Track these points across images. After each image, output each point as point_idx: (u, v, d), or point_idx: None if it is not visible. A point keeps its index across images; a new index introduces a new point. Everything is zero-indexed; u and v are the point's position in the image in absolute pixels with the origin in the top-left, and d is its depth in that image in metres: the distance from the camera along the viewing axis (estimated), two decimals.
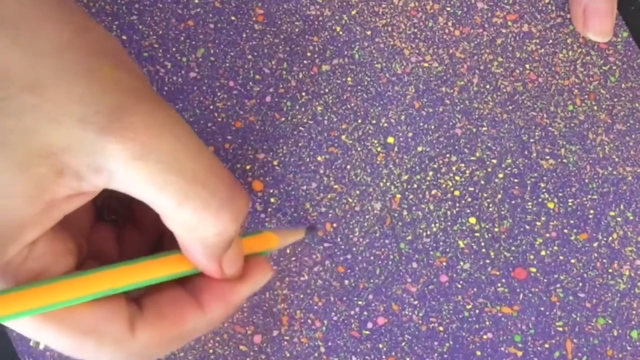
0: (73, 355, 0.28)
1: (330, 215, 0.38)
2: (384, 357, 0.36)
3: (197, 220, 0.26)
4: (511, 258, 0.38)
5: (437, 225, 0.38)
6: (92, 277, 0.27)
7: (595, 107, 0.40)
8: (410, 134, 0.39)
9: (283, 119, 0.39)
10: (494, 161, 0.39)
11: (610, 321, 0.37)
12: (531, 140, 0.39)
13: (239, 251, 0.30)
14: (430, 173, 0.39)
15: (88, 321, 0.27)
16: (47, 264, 0.27)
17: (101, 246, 0.31)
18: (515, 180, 0.39)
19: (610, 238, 0.38)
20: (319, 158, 0.39)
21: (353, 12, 0.41)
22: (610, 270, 0.38)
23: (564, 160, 0.39)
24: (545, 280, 0.38)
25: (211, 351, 0.36)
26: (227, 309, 0.30)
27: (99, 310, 0.27)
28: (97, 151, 0.25)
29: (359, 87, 0.40)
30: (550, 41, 0.41)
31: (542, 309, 0.37)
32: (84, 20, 0.27)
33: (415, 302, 0.37)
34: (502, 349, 0.37)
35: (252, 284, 0.31)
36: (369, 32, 0.40)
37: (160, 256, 0.29)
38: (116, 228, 0.32)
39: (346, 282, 0.37)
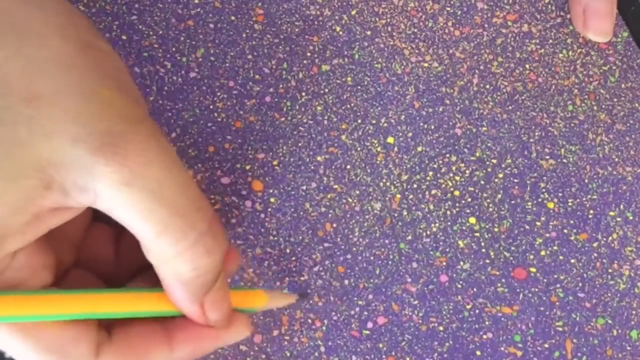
0: None
1: (330, 215, 0.38)
2: (383, 356, 0.36)
3: (173, 253, 0.27)
4: (511, 258, 0.38)
5: (437, 225, 0.38)
6: (70, 297, 0.27)
7: (595, 107, 0.40)
8: (410, 134, 0.39)
9: (283, 119, 0.39)
10: (494, 161, 0.39)
11: (610, 321, 0.37)
12: (531, 140, 0.39)
13: (223, 295, 0.30)
14: (430, 173, 0.39)
15: (55, 340, 0.27)
16: (25, 277, 0.27)
17: (95, 251, 0.31)
18: (515, 180, 0.39)
19: (610, 238, 0.38)
20: (318, 158, 0.39)
21: (353, 12, 0.41)
22: (610, 270, 0.38)
23: (564, 160, 0.39)
24: (545, 280, 0.38)
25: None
26: (196, 353, 0.30)
27: (67, 331, 0.27)
28: (85, 171, 0.25)
29: (359, 87, 0.40)
30: (550, 41, 0.41)
31: (542, 308, 0.37)
32: (91, 37, 0.27)
33: (415, 302, 0.37)
34: (502, 348, 0.37)
35: (228, 337, 0.31)
36: (369, 32, 0.40)
37: (144, 291, 0.29)
38: (114, 230, 0.32)
39: (346, 282, 0.37)
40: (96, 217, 0.32)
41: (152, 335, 0.29)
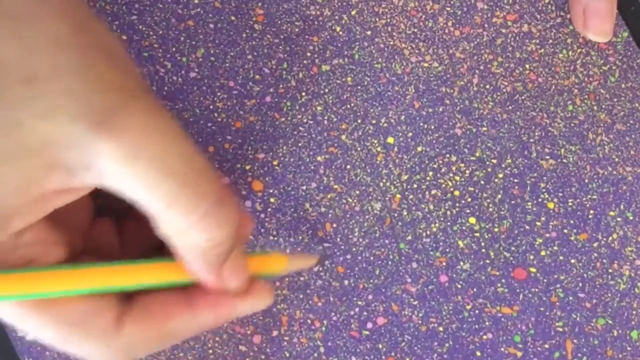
0: (57, 346, 0.28)
1: (330, 215, 0.38)
2: (383, 357, 0.36)
3: (186, 224, 0.26)
4: (511, 258, 0.38)
5: (437, 225, 0.38)
6: (87, 271, 0.27)
7: (595, 107, 0.40)
8: (410, 134, 0.39)
9: (283, 119, 0.39)
10: (494, 161, 0.39)
11: (610, 321, 0.37)
12: (531, 140, 0.39)
13: (241, 263, 0.30)
14: (430, 173, 0.39)
15: (76, 314, 0.27)
16: (38, 253, 0.27)
17: (100, 240, 0.31)
18: (515, 180, 0.39)
19: (610, 238, 0.38)
20: (318, 158, 0.39)
21: (353, 12, 0.41)
22: (610, 271, 0.38)
23: (564, 160, 0.39)
24: (545, 281, 0.38)
25: (211, 351, 0.36)
26: (218, 319, 0.30)
27: (88, 304, 0.27)
28: (87, 148, 0.25)
29: (359, 87, 0.40)
30: (550, 41, 0.41)
31: (542, 309, 0.37)
32: (86, 18, 0.27)
33: (415, 302, 0.37)
34: (502, 349, 0.37)
35: (249, 304, 0.31)
36: (369, 32, 0.40)
37: (161, 261, 0.29)
38: (117, 223, 0.32)
39: (346, 282, 0.37)
40: (98, 214, 0.32)
41: (173, 302, 0.29)
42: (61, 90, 0.25)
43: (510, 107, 0.40)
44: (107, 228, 0.32)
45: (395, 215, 0.38)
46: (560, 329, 0.37)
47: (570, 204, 0.39)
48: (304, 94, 0.39)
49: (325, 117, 0.39)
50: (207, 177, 0.27)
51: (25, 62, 0.25)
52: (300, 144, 0.39)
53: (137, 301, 0.29)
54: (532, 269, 0.38)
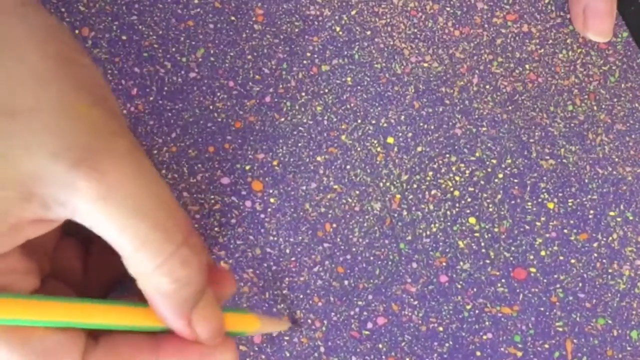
0: None
1: (329, 215, 0.38)
2: (383, 357, 0.36)
3: (152, 267, 0.27)
4: (511, 258, 0.38)
5: (437, 225, 0.38)
6: (61, 305, 0.27)
7: (595, 107, 0.40)
8: (410, 134, 0.39)
9: (283, 119, 0.39)
10: (494, 161, 0.39)
11: (610, 321, 0.37)
12: (531, 140, 0.39)
13: (211, 312, 0.30)
14: (430, 173, 0.39)
15: (42, 345, 0.27)
16: (11, 281, 0.27)
17: (64, 264, 0.31)
18: (515, 180, 0.39)
19: (610, 238, 0.38)
20: (318, 158, 0.39)
21: (353, 12, 0.41)
22: (610, 271, 0.38)
23: (564, 160, 0.39)
24: (545, 281, 0.38)
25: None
26: None
27: (55, 336, 0.27)
28: (64, 185, 0.25)
29: (359, 87, 0.40)
30: (550, 41, 0.41)
31: (542, 309, 0.37)
32: (72, 52, 0.27)
33: (415, 302, 0.37)
34: (502, 349, 0.37)
35: (215, 357, 0.31)
36: (368, 32, 0.40)
37: (135, 306, 0.29)
38: (83, 246, 0.32)
39: (346, 282, 0.37)
40: (65, 232, 0.32)
41: (140, 345, 0.29)
42: (43, 127, 0.25)
43: (510, 107, 0.40)
44: (72, 251, 0.32)
45: (395, 215, 0.38)
46: (560, 329, 0.37)
47: (570, 204, 0.39)
48: (303, 94, 0.39)
49: (325, 117, 0.39)
50: (175, 219, 0.27)
51: (8, 96, 0.25)
52: (300, 144, 0.39)
53: (104, 340, 0.29)
54: (532, 269, 0.38)
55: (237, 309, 0.34)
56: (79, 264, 0.32)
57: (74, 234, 0.32)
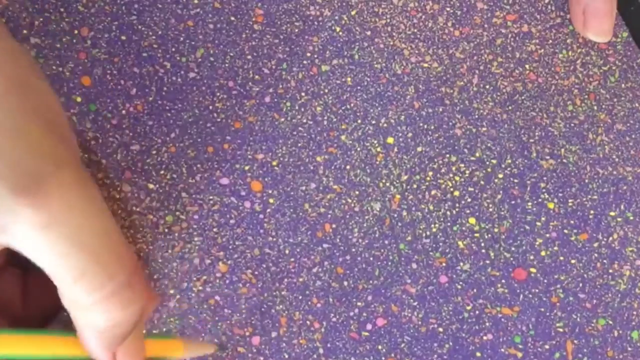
0: None
1: (329, 215, 0.38)
2: (383, 358, 0.36)
3: (88, 302, 0.26)
4: (511, 259, 0.38)
5: (437, 225, 0.38)
6: None
7: (595, 107, 0.40)
8: (410, 134, 0.39)
9: (282, 120, 0.39)
10: (494, 161, 0.39)
11: (610, 322, 0.37)
12: (531, 140, 0.39)
13: (137, 346, 0.30)
14: (430, 173, 0.39)
15: None
16: None
17: (3, 294, 0.31)
18: (515, 181, 0.39)
19: (611, 238, 0.38)
20: (318, 158, 0.38)
21: (353, 13, 0.41)
22: (610, 271, 0.38)
23: (564, 161, 0.39)
24: (545, 281, 0.37)
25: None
26: None
27: None
28: (6, 212, 0.25)
29: (359, 88, 0.40)
30: (550, 41, 0.41)
31: (542, 309, 0.37)
32: (28, 76, 0.27)
33: (415, 303, 0.37)
34: (502, 350, 0.37)
35: None
36: (368, 33, 0.40)
37: (61, 335, 0.29)
38: (23, 276, 0.32)
39: (345, 283, 0.37)
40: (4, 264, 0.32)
41: None
42: None
43: (510, 107, 0.40)
44: (11, 278, 0.32)
45: (395, 215, 0.38)
46: (561, 330, 0.37)
47: (570, 204, 0.39)
48: (303, 94, 0.39)
49: (325, 118, 0.39)
50: (119, 256, 0.27)
51: None
52: (299, 144, 0.39)
53: None
54: (532, 270, 0.38)
55: (163, 336, 0.34)
56: (18, 294, 0.32)
57: (13, 263, 0.32)
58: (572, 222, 0.38)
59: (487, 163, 0.39)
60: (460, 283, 0.37)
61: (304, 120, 0.39)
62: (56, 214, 0.25)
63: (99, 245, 0.26)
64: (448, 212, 0.38)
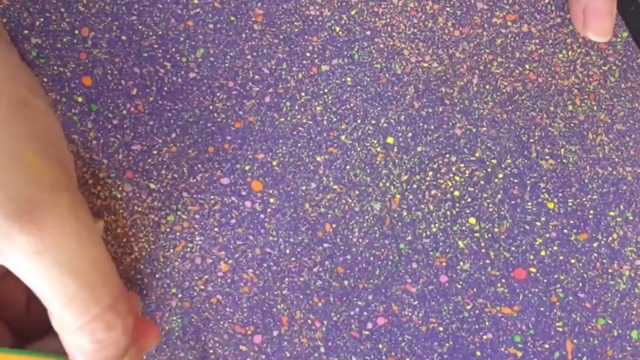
0: None
1: (329, 215, 0.38)
2: (383, 357, 0.36)
3: (74, 326, 0.27)
4: (511, 258, 0.38)
5: (437, 225, 0.38)
6: None
7: (595, 107, 0.40)
8: (409, 134, 0.39)
9: (282, 119, 0.39)
10: (494, 161, 0.39)
11: (610, 321, 0.37)
12: (531, 140, 0.39)
13: None
14: (430, 173, 0.39)
15: None
16: None
17: (7, 300, 0.31)
18: (515, 181, 0.39)
19: (610, 238, 0.38)
20: (318, 158, 0.39)
21: (352, 12, 0.41)
22: (610, 271, 0.38)
23: (564, 161, 0.39)
24: (545, 281, 0.38)
25: (211, 351, 0.36)
26: None
27: None
28: (2, 236, 0.25)
29: (359, 87, 0.40)
30: (550, 41, 0.41)
31: (542, 309, 0.37)
32: (28, 94, 0.27)
33: (415, 303, 0.37)
34: (502, 349, 0.37)
35: None
36: (368, 32, 0.40)
37: (51, 356, 0.29)
38: None
39: (346, 282, 0.37)
40: None
41: None
42: None
43: (510, 107, 0.40)
44: (15, 284, 0.32)
45: (395, 215, 0.38)
46: (560, 329, 0.37)
47: (570, 204, 0.39)
48: (303, 94, 0.39)
49: (325, 118, 0.39)
50: (106, 281, 0.28)
51: None
52: (299, 144, 0.39)
53: None
54: (532, 269, 0.38)
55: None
56: (22, 298, 0.32)
57: None
58: (571, 222, 0.38)
59: (487, 163, 0.39)
60: (460, 282, 0.37)
61: (304, 120, 0.39)
62: (49, 241, 0.26)
63: (89, 272, 0.27)
64: (448, 212, 0.38)
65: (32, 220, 0.25)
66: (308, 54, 0.40)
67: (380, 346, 0.36)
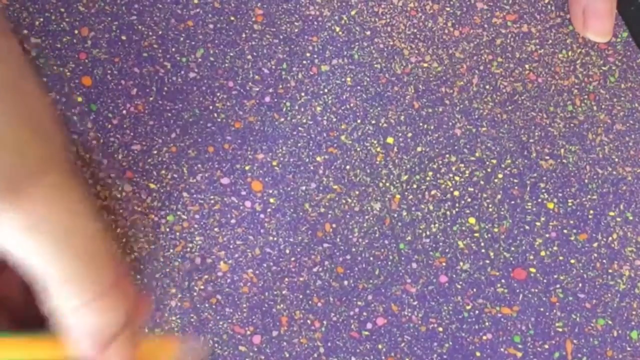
0: None
1: (329, 215, 0.38)
2: (383, 357, 0.36)
3: (79, 303, 0.27)
4: (511, 258, 0.38)
5: (437, 225, 0.38)
6: None
7: (595, 107, 0.40)
8: (409, 134, 0.39)
9: (282, 120, 0.39)
10: (494, 161, 0.39)
11: (610, 322, 0.37)
12: (531, 140, 0.39)
13: (128, 348, 0.29)
14: (430, 173, 0.39)
15: None
16: None
17: (6, 287, 0.31)
18: (515, 181, 0.39)
19: (610, 238, 0.38)
20: (318, 158, 0.39)
21: (352, 13, 0.41)
22: (610, 271, 0.38)
23: (564, 161, 0.39)
24: (544, 281, 0.38)
25: (211, 351, 0.36)
26: None
27: None
28: None
29: (359, 88, 0.40)
30: (550, 41, 0.41)
31: (542, 309, 0.37)
32: (18, 77, 0.27)
33: (415, 303, 0.37)
34: (502, 349, 0.37)
35: None
36: (368, 33, 0.40)
37: (38, 336, 0.29)
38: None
39: (345, 282, 0.37)
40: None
41: None
42: None
43: (510, 107, 0.40)
44: (11, 277, 0.32)
45: (395, 215, 0.38)
46: (560, 329, 0.37)
47: (570, 204, 0.39)
48: (303, 94, 0.39)
49: (325, 118, 0.39)
50: (107, 258, 0.27)
51: None
52: (299, 144, 0.39)
53: None
54: (532, 269, 0.38)
55: (156, 338, 0.34)
56: (19, 291, 0.32)
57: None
58: (571, 222, 0.38)
59: (487, 163, 0.39)
60: (460, 283, 0.37)
61: (304, 120, 0.39)
62: (43, 216, 0.25)
63: (86, 247, 0.26)
64: (448, 212, 0.38)
65: (22, 195, 0.25)
66: (308, 54, 0.40)
67: (380, 346, 0.36)
